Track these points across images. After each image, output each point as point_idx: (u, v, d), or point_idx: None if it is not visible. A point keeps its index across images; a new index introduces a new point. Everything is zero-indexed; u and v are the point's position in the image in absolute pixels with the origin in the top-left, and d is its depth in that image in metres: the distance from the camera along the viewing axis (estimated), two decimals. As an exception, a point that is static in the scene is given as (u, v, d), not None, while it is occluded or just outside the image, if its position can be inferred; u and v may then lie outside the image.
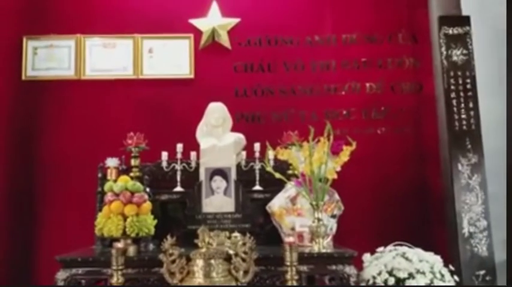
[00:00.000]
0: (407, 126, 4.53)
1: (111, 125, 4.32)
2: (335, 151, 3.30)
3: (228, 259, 2.78)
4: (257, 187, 3.83)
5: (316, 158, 3.18)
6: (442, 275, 2.96)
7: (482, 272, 3.74)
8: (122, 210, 3.04)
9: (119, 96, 4.47)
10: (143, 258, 2.97)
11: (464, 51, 4.05)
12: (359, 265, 3.14)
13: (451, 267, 3.05)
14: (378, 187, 4.40)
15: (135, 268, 2.95)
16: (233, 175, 3.68)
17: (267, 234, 3.63)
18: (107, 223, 3.02)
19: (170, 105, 4.48)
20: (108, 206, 3.07)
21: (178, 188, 3.82)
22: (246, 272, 2.75)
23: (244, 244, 2.78)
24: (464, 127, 3.97)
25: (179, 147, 3.86)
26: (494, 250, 3.78)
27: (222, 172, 3.67)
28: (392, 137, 4.52)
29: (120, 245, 2.66)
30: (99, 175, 3.67)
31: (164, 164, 3.88)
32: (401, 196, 4.36)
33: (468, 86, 4.02)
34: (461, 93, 4.02)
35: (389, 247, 3.14)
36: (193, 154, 3.89)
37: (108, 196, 3.08)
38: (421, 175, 4.45)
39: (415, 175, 4.44)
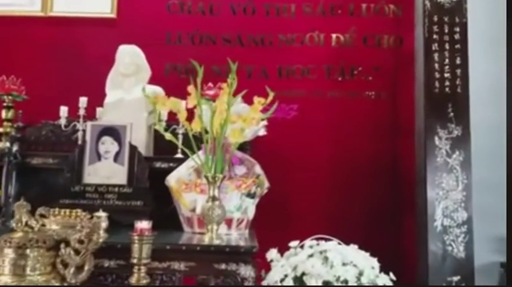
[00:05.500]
0: (382, 89, 3.65)
1: (9, 72, 3.46)
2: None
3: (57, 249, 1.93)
4: (178, 155, 3.02)
5: (217, 113, 2.29)
6: (374, 287, 2.06)
7: (456, 278, 2.83)
8: None
9: (21, 37, 3.66)
10: None
11: (455, -9, 3.10)
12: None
13: (392, 276, 2.14)
14: (336, 162, 3.56)
15: None
16: (129, 136, 2.81)
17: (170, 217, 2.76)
18: None
19: (85, 51, 3.65)
20: None
21: (76, 153, 3.07)
22: (79, 269, 1.90)
23: (80, 228, 1.92)
24: (447, 89, 3.00)
25: (82, 101, 3.15)
26: (475, 250, 2.85)
27: (113, 132, 2.81)
28: (362, 103, 3.65)
29: None
30: (-46, 130, 2.85)
31: (63, 121, 3.18)
32: (366, 176, 3.51)
33: (456, 37, 3.04)
34: (447, 46, 3.04)
35: (309, 242, 2.23)
36: (99, 111, 3.20)
37: None
38: (393, 151, 3.58)
39: (385, 151, 3.59)
